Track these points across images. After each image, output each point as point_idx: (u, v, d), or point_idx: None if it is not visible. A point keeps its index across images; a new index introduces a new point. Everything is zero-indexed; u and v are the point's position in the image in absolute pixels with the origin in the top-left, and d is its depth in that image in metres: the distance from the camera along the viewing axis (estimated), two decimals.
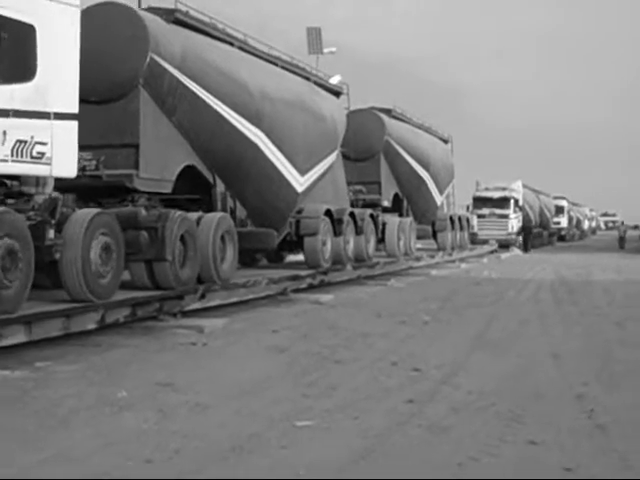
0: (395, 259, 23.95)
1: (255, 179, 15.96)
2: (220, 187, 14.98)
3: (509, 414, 7.04)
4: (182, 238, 12.52)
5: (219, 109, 14.25)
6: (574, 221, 76.21)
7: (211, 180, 14.74)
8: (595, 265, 29.98)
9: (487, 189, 46.12)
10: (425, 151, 28.69)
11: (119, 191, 12.42)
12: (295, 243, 18.27)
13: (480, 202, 45.53)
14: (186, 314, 12.52)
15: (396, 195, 26.67)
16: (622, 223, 60.41)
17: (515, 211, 45.64)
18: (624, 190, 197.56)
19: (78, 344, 10.11)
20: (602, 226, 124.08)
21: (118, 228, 11.08)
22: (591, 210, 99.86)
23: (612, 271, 26.51)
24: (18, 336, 9.02)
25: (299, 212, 17.95)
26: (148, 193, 12.68)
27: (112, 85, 12.50)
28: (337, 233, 18.99)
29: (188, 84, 13.39)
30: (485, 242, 41.90)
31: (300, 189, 17.77)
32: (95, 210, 10.94)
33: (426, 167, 28.42)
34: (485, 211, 45.04)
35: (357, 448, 6.01)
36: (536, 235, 54.06)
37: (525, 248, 44.59)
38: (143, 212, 11.92)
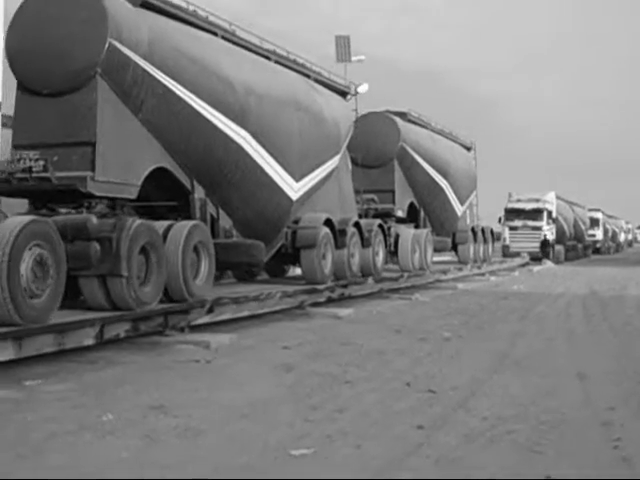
0: (420, 272, 22.97)
1: (240, 185, 14.45)
2: (199, 193, 13.51)
3: (527, 443, 6.42)
4: (144, 250, 11.09)
5: (195, 105, 12.77)
6: (609, 234, 75.11)
7: (188, 185, 13.28)
8: (630, 279, 29.13)
9: (519, 200, 45.34)
10: (444, 158, 27.30)
11: (74, 196, 11.11)
12: (291, 256, 16.79)
13: (512, 214, 44.79)
14: (196, 328, 12.00)
15: (412, 205, 25.38)
16: None
17: (548, 223, 44.77)
18: None
19: (75, 360, 9.63)
20: (639, 239, 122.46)
21: (58, 238, 9.63)
22: (627, 223, 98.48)
23: None
24: (6, 353, 8.47)
25: (295, 222, 16.41)
26: (109, 199, 11.55)
27: (67, 75, 11.11)
28: (339, 245, 17.42)
29: (157, 75, 11.93)
30: (517, 254, 41.08)
31: (295, 196, 16.21)
32: (28, 217, 9.58)
33: (445, 175, 27.05)
34: (517, 223, 44.30)
35: None
36: (570, 248, 53.19)
37: (545, 258, 43.22)
38: (94, 220, 10.47)
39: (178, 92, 12.36)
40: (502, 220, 44.90)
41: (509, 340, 12.40)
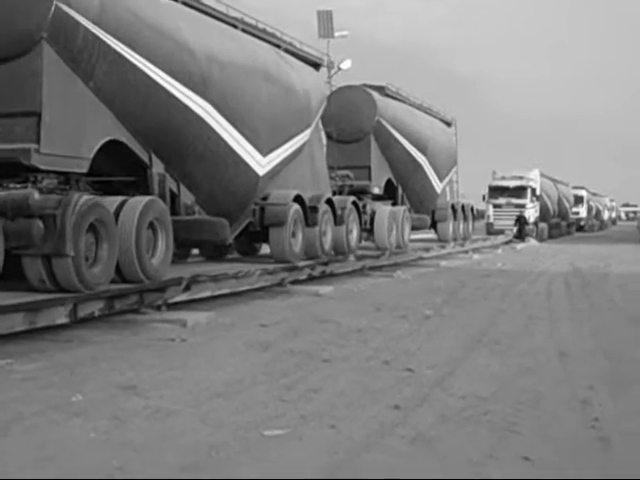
0: (398, 250, 22.49)
1: (202, 159, 13.58)
2: (158, 167, 12.63)
3: (504, 423, 6.32)
4: (93, 228, 10.31)
5: (151, 73, 11.90)
6: (593, 211, 75.24)
7: (146, 159, 12.40)
8: (613, 257, 29.11)
9: (504, 178, 45.18)
10: (423, 133, 26.49)
11: (18, 170, 10.23)
12: (260, 234, 16.02)
13: (496, 191, 44.65)
14: (173, 306, 11.84)
15: (389, 182, 24.54)
16: None
17: (532, 201, 44.65)
18: None
19: (48, 339, 9.47)
20: (623, 217, 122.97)
21: None
22: (611, 200, 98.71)
23: (631, 263, 25.66)
24: None
25: (264, 199, 15.61)
26: (59, 173, 10.61)
27: (9, 41, 10.14)
28: (311, 223, 16.62)
29: (109, 41, 11.04)
30: (501, 232, 41.02)
31: (262, 172, 15.30)
32: None
33: (423, 151, 26.28)
34: (501, 201, 44.16)
35: (326, 464, 5.33)
36: (554, 225, 53.21)
37: (520, 236, 42.92)
38: (36, 196, 9.61)
39: (132, 59, 11.62)
40: (486, 198, 44.83)
41: (490, 318, 12.32)
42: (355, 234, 19.63)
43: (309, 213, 16.63)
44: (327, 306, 13.47)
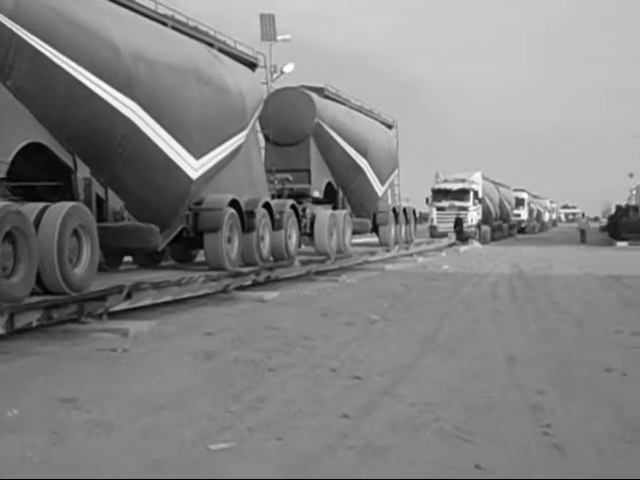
0: (339, 255, 22.03)
1: (131, 163, 12.88)
2: (83, 172, 11.96)
3: (455, 431, 6.21)
4: (10, 237, 9.64)
5: (72, 71, 11.23)
6: (534, 213, 76.32)
7: (70, 163, 11.74)
8: (555, 259, 29.46)
9: (446, 181, 45.52)
10: (363, 136, 26.01)
11: None
12: (194, 240, 15.29)
13: (439, 194, 44.97)
14: (114, 315, 11.54)
15: (330, 185, 24.07)
16: (583, 215, 59.94)
17: (475, 203, 45.09)
18: (583, 183, 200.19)
19: None
20: (562, 218, 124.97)
21: None
22: (552, 202, 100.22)
23: (572, 265, 25.92)
24: None
25: (198, 204, 14.98)
26: None
27: None
28: (247, 228, 16.05)
29: (27, 38, 10.41)
30: (444, 235, 41.21)
31: (195, 175, 14.69)
32: None
33: (364, 154, 25.83)
34: (444, 203, 44.51)
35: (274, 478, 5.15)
36: (496, 228, 53.74)
37: (459, 239, 43.13)
38: None
39: (52, 56, 10.96)
40: (429, 201, 45.08)
41: (436, 322, 12.25)
42: (294, 239, 19.15)
43: (246, 218, 16.05)
44: (273, 312, 13.28)
